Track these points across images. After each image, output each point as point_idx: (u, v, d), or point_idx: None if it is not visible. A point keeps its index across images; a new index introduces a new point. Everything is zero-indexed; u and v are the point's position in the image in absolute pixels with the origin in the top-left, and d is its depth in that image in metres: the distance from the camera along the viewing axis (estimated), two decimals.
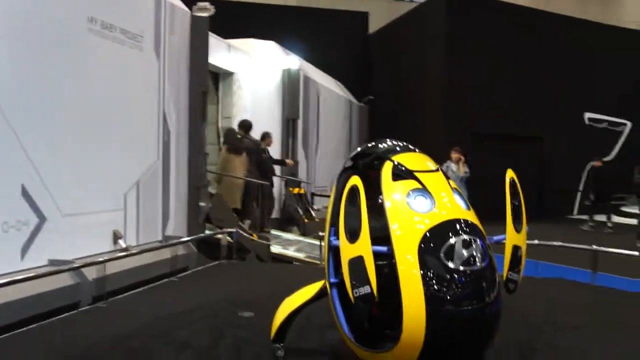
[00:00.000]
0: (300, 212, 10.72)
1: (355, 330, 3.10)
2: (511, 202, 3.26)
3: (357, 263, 2.93)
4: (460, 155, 10.87)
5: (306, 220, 10.54)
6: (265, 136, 9.69)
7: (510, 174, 3.39)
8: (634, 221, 15.04)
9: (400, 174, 3.10)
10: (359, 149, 3.44)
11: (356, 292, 2.92)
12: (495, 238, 3.17)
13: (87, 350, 3.49)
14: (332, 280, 3.15)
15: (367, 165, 3.30)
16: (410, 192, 3.00)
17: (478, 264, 2.84)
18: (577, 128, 17.94)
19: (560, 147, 16.99)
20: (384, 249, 2.91)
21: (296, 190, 11.22)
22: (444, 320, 2.74)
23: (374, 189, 3.11)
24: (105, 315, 4.34)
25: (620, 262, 6.58)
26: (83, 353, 3.44)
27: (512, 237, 3.22)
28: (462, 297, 2.77)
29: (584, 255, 6.01)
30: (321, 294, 3.34)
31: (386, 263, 2.98)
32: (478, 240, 2.91)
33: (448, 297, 2.75)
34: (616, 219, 16.48)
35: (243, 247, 7.64)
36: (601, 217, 14.29)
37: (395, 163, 3.13)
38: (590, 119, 18.52)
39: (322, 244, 3.41)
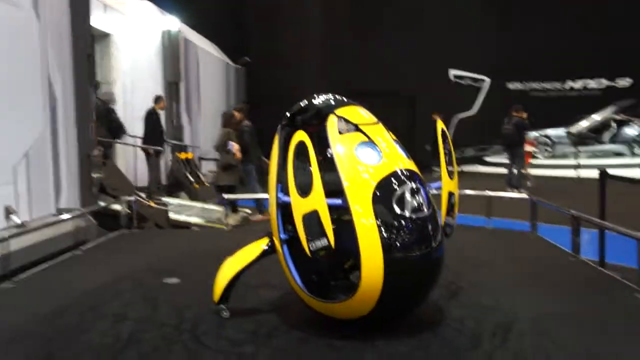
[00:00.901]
0: (190, 177, 10.48)
1: (308, 283, 3.14)
2: (444, 150, 3.44)
3: (312, 217, 2.97)
4: None
5: (197, 186, 10.33)
6: (158, 99, 9.29)
7: (440, 124, 3.56)
8: (494, 169, 16.36)
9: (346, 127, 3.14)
10: (300, 104, 3.42)
11: (312, 246, 2.97)
12: (434, 185, 3.33)
13: (18, 331, 3.24)
14: (283, 236, 3.15)
15: (307, 121, 3.31)
16: (358, 145, 3.05)
17: (425, 210, 2.98)
18: (445, 85, 18.98)
19: (430, 104, 17.84)
20: (338, 201, 2.96)
21: (183, 156, 10.92)
22: (400, 266, 2.86)
23: (320, 144, 3.14)
24: (21, 295, 4.04)
25: (504, 205, 7.14)
26: (15, 335, 3.19)
27: (447, 184, 3.41)
28: (414, 243, 2.90)
29: (477, 202, 6.46)
30: (267, 252, 3.34)
31: (335, 217, 3.03)
32: (421, 188, 3.05)
33: (403, 244, 2.87)
34: (481, 168, 17.82)
35: (141, 216, 7.36)
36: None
37: (339, 117, 3.16)
38: (455, 76, 19.61)
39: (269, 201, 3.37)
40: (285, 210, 3.18)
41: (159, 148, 8.84)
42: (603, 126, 18.30)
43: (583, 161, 15.28)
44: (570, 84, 20.97)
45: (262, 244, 3.37)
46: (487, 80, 20.37)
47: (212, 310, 3.46)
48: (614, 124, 18.19)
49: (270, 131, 3.57)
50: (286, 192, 3.13)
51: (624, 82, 20.50)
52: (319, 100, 3.39)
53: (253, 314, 3.47)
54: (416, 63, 17.45)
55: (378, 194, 2.91)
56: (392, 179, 2.98)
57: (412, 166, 3.14)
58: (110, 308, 3.61)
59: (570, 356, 2.80)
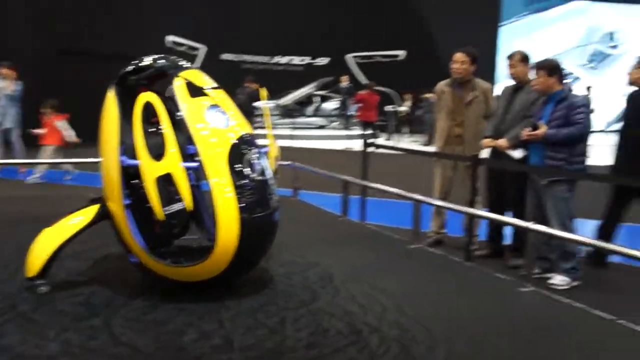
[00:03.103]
0: None
1: (155, 247, 3.07)
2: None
3: (166, 181, 2.92)
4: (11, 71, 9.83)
5: None
6: None
7: (264, 93, 3.74)
8: None
9: (192, 90, 3.12)
10: (134, 64, 3.24)
11: (167, 210, 2.93)
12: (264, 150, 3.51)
13: None
14: (126, 202, 3.01)
15: (144, 81, 3.19)
16: (207, 109, 3.07)
17: (267, 174, 3.17)
18: (162, 50, 18.68)
19: None
20: (194, 165, 2.96)
21: None
22: (251, 227, 3.00)
23: (165, 106, 3.07)
24: None
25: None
26: None
27: (273, 149, 3.62)
28: (261, 204, 3.07)
29: None
30: (98, 218, 3.15)
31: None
32: (261, 152, 3.22)
33: (253, 205, 3.02)
34: None
35: None
36: None
37: (186, 80, 3.12)
38: (173, 42, 19.46)
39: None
40: (127, 175, 3.03)
41: None
42: (308, 100, 20.22)
43: (292, 132, 16.71)
44: (277, 59, 22.54)
45: (91, 212, 3.16)
46: (204, 48, 20.70)
47: (22, 287, 3.13)
48: (316, 99, 20.22)
49: None
50: (131, 155, 2.98)
51: (322, 61, 22.86)
52: (154, 60, 3.28)
53: (78, 286, 3.23)
54: (135, 26, 16.81)
55: (231, 157, 2.99)
56: (241, 142, 3.08)
57: (252, 130, 3.26)
58: None
59: (386, 295, 3.26)
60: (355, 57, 23.32)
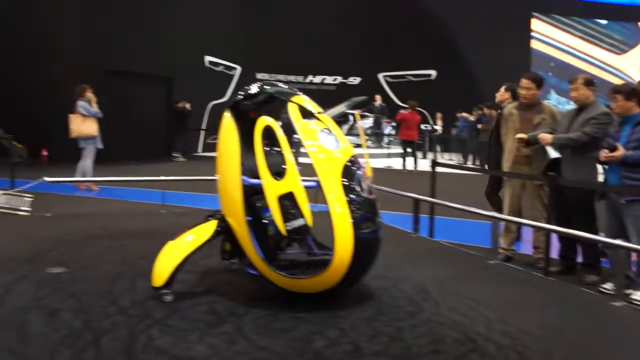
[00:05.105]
0: None
1: (272, 261, 3.31)
2: None
3: (288, 199, 3.16)
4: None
5: None
6: None
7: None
8: None
9: (305, 115, 3.38)
10: (249, 89, 3.52)
11: (288, 225, 3.17)
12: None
13: None
14: (248, 218, 3.25)
15: (253, 106, 3.47)
16: (321, 132, 3.32)
17: (372, 193, 3.39)
18: (200, 70, 19.16)
19: (187, 87, 17.86)
20: (313, 183, 3.20)
21: None
22: (363, 242, 3.22)
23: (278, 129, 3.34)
24: None
25: None
26: None
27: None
28: (369, 220, 3.30)
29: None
30: (217, 234, 3.40)
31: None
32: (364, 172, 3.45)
33: (363, 222, 3.24)
34: None
35: None
36: None
37: (298, 104, 3.38)
38: (210, 62, 19.92)
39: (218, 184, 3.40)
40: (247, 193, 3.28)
41: None
42: (342, 119, 20.50)
43: None
44: (310, 78, 22.94)
45: (211, 227, 3.41)
46: (239, 68, 21.16)
47: (148, 296, 3.38)
48: (350, 117, 20.51)
49: None
50: (253, 175, 3.24)
51: (354, 80, 23.22)
52: (266, 87, 3.55)
53: (198, 296, 3.47)
54: (173, 47, 17.28)
55: (345, 177, 3.22)
56: (351, 163, 3.31)
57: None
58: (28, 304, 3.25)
59: (484, 306, 3.45)
60: (385, 76, 23.65)
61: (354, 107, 21.01)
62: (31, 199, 7.57)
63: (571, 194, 4.94)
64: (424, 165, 13.37)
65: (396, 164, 15.66)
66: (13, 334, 2.82)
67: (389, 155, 16.72)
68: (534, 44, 24.16)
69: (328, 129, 3.37)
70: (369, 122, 20.45)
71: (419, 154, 17.50)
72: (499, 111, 5.89)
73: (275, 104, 3.65)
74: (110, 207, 8.43)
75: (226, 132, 3.45)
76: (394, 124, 18.89)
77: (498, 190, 5.80)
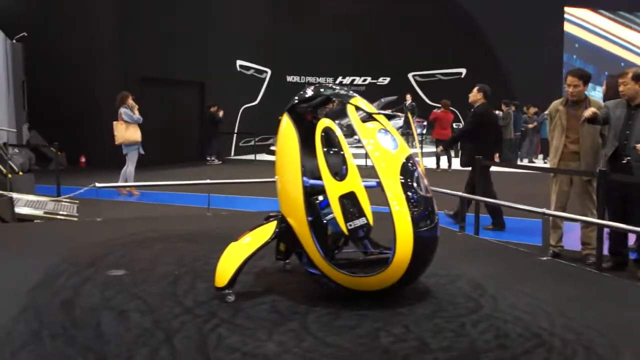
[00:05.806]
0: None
1: (332, 259, 3.37)
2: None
3: (350, 198, 3.21)
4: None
5: (10, 175, 9.19)
6: None
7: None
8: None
9: (364, 116, 3.43)
10: (307, 93, 3.59)
11: (350, 225, 3.22)
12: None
13: None
14: (310, 219, 3.31)
15: (309, 109, 3.54)
16: (378, 132, 3.37)
17: (429, 191, 3.42)
18: (231, 74, 19.35)
19: (219, 92, 18.06)
20: (373, 183, 3.25)
21: None
22: (422, 240, 3.25)
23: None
24: None
25: None
26: None
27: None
28: (428, 218, 3.33)
29: None
30: (277, 235, 3.47)
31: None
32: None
33: (422, 220, 3.27)
34: (267, 157, 18.62)
35: None
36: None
37: (355, 106, 3.44)
38: (241, 66, 20.11)
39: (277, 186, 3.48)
40: (308, 193, 3.35)
41: None
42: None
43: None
44: (340, 79, 22.98)
45: (271, 228, 3.48)
46: (269, 71, 21.33)
47: (210, 296, 3.46)
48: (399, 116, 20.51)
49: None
50: (314, 176, 3.30)
51: (384, 81, 23.20)
52: (324, 89, 3.61)
53: (258, 296, 3.54)
54: (205, 52, 17.51)
55: (403, 176, 3.27)
56: (408, 162, 3.35)
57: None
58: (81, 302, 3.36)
59: (543, 302, 3.45)
60: (415, 75, 23.57)
61: (384, 107, 21.01)
62: (77, 205, 7.80)
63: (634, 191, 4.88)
64: (456, 164, 13.31)
65: (430, 163, 15.61)
66: (90, 333, 2.93)
67: (422, 155, 16.66)
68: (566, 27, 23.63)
69: (385, 129, 3.42)
70: (399, 122, 20.40)
71: (452, 153, 17.42)
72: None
73: (331, 106, 3.72)
74: (154, 211, 8.59)
75: (285, 134, 3.52)
76: (424, 123, 18.85)
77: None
